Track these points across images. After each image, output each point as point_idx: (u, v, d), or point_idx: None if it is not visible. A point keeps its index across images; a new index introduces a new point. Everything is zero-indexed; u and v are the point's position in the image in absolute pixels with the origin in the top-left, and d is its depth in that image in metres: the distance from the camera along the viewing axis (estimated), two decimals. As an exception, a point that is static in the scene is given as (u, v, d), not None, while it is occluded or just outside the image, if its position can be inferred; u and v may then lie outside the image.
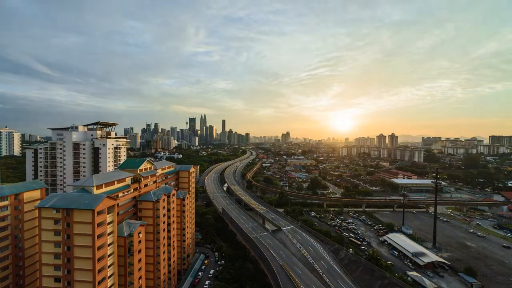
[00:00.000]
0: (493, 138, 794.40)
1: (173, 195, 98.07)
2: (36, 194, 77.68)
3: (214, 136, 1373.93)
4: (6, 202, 69.31)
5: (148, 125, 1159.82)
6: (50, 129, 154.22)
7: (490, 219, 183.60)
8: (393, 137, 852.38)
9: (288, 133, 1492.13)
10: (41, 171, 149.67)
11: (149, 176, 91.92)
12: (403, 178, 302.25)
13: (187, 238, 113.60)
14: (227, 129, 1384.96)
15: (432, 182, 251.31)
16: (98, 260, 57.98)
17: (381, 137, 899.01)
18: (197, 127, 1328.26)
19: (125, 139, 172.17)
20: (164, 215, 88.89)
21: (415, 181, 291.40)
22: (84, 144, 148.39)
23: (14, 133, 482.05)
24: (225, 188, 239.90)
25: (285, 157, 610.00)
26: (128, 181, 79.69)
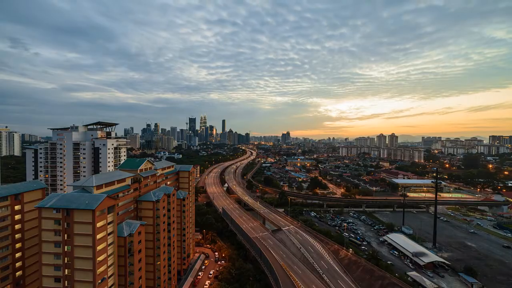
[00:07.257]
0: (493, 138, 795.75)
1: (173, 195, 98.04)
2: (36, 194, 77.47)
3: (214, 136, 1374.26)
4: (6, 202, 69.21)
5: (148, 125, 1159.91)
6: (50, 129, 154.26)
7: (490, 219, 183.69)
8: (393, 137, 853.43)
9: (288, 133, 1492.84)
10: (41, 171, 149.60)
11: (149, 176, 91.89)
12: (403, 178, 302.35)
13: (187, 238, 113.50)
14: (227, 129, 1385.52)
15: (432, 182, 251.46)
16: (98, 260, 58.01)
17: (381, 137, 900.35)
18: (197, 127, 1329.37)
19: (125, 140, 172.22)
20: (164, 215, 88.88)
21: (415, 181, 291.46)
22: (84, 144, 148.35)
23: (14, 133, 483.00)
24: (225, 188, 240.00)
25: (285, 157, 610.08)
26: (128, 181, 79.69)
